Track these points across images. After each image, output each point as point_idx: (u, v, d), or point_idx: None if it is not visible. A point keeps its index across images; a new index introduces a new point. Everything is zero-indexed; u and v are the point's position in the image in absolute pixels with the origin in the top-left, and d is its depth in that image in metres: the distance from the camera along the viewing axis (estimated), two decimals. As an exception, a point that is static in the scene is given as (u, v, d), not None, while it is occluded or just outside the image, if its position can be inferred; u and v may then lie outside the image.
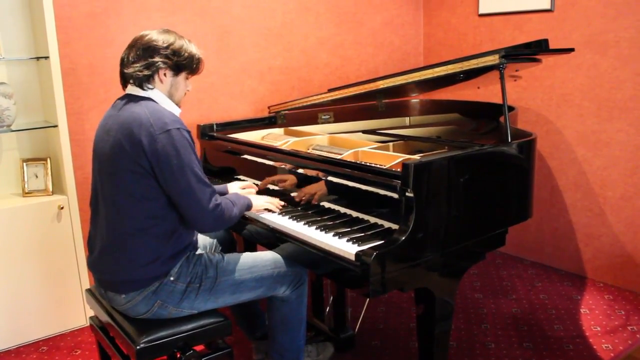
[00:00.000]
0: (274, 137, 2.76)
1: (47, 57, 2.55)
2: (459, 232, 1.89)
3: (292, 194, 2.22)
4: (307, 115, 3.05)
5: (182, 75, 1.88)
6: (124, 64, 1.84)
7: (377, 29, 3.80)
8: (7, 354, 2.59)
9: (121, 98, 1.87)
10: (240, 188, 2.25)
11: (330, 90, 2.75)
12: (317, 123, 3.04)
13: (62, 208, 2.66)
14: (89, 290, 2.06)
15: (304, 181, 2.17)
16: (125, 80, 1.87)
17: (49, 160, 2.71)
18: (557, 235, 3.40)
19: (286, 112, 3.01)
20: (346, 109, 3.11)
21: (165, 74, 1.84)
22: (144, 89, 1.82)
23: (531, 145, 2.15)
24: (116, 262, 1.78)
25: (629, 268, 3.08)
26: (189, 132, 1.78)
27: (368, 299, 2.85)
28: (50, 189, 2.70)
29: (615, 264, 3.14)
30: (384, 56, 3.87)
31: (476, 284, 3.22)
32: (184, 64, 1.86)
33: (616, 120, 3.01)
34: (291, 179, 2.23)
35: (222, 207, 1.82)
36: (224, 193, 2.19)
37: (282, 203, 2.16)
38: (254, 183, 2.39)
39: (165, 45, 1.81)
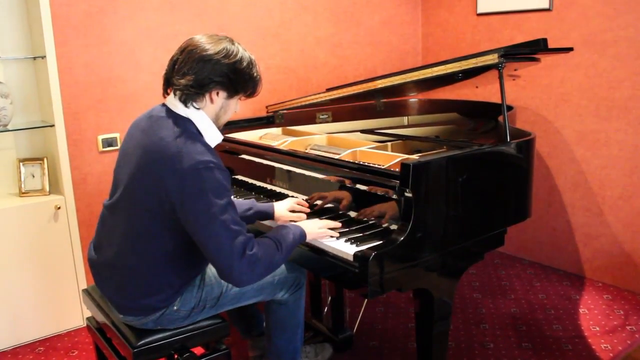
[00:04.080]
0: (271, 136, 2.75)
1: (43, 57, 2.54)
2: (458, 232, 1.88)
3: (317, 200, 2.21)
4: (305, 114, 3.04)
5: (236, 97, 1.67)
6: (174, 69, 1.61)
7: (376, 28, 3.79)
8: (3, 354, 2.58)
9: (160, 108, 1.67)
10: (289, 210, 1.97)
11: (328, 90, 2.74)
12: (315, 123, 3.03)
13: (59, 208, 2.64)
14: (85, 291, 2.04)
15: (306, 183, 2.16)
16: (169, 85, 1.65)
17: (45, 160, 2.70)
18: (555, 235, 3.39)
19: (284, 111, 3.00)
20: (344, 108, 3.10)
21: (218, 94, 1.62)
22: (187, 107, 1.61)
23: (530, 145, 2.14)
24: (119, 283, 1.71)
25: (627, 268, 3.08)
26: (223, 170, 1.56)
27: (366, 300, 2.84)
28: (47, 189, 2.68)
29: (614, 263, 3.13)
30: (382, 56, 3.86)
31: (475, 283, 3.21)
32: (243, 86, 1.64)
33: (615, 120, 3.00)
34: (342, 195, 2.01)
35: (257, 258, 1.56)
36: (267, 213, 1.97)
37: (339, 225, 1.86)
38: (303, 199, 2.09)
39: (228, 61, 1.57)
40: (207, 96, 1.61)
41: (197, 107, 1.62)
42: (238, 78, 1.61)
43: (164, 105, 1.69)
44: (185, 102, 1.61)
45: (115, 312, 1.78)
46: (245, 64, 1.62)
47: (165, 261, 1.66)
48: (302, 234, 1.77)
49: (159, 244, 1.63)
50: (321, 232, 1.81)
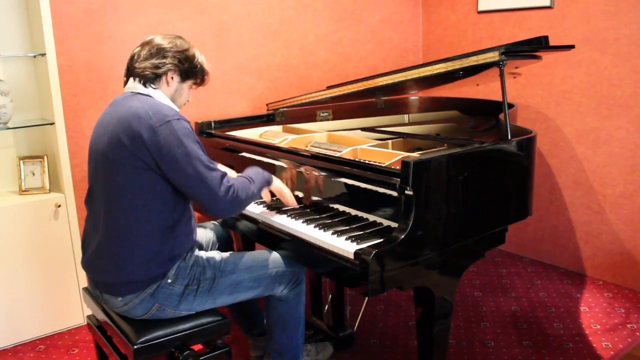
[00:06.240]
0: (272, 134, 2.74)
1: (43, 54, 2.53)
2: (459, 230, 1.87)
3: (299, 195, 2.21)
4: (306, 112, 3.03)
5: (188, 83, 1.89)
6: (133, 59, 1.83)
7: (376, 26, 3.78)
8: (4, 352, 2.58)
9: (120, 95, 1.85)
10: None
11: (328, 88, 2.73)
12: (316, 120, 3.02)
13: (59, 206, 2.64)
14: (86, 289, 2.04)
15: (303, 180, 2.16)
16: (130, 75, 1.85)
17: (45, 158, 2.70)
18: (556, 233, 3.39)
19: (284, 109, 2.99)
20: (345, 106, 3.09)
21: (172, 78, 1.84)
22: (146, 87, 1.81)
23: (531, 143, 2.14)
24: (111, 260, 1.76)
25: (628, 266, 3.07)
26: (188, 122, 1.77)
27: (367, 298, 2.84)
28: (47, 187, 2.68)
29: (614, 261, 3.13)
30: (383, 53, 3.85)
31: (475, 281, 3.21)
32: (193, 72, 1.88)
33: (616, 118, 2.99)
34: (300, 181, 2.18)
35: (235, 188, 1.79)
36: None
37: (296, 205, 2.10)
38: None
39: (179, 49, 1.83)
40: (164, 78, 1.83)
41: (155, 87, 1.83)
42: (189, 65, 1.86)
43: (122, 94, 1.86)
44: (144, 84, 1.82)
45: (114, 300, 1.79)
46: (193, 53, 1.88)
47: (149, 224, 1.73)
48: (270, 179, 2.03)
49: (141, 205, 1.72)
50: (282, 188, 2.07)
